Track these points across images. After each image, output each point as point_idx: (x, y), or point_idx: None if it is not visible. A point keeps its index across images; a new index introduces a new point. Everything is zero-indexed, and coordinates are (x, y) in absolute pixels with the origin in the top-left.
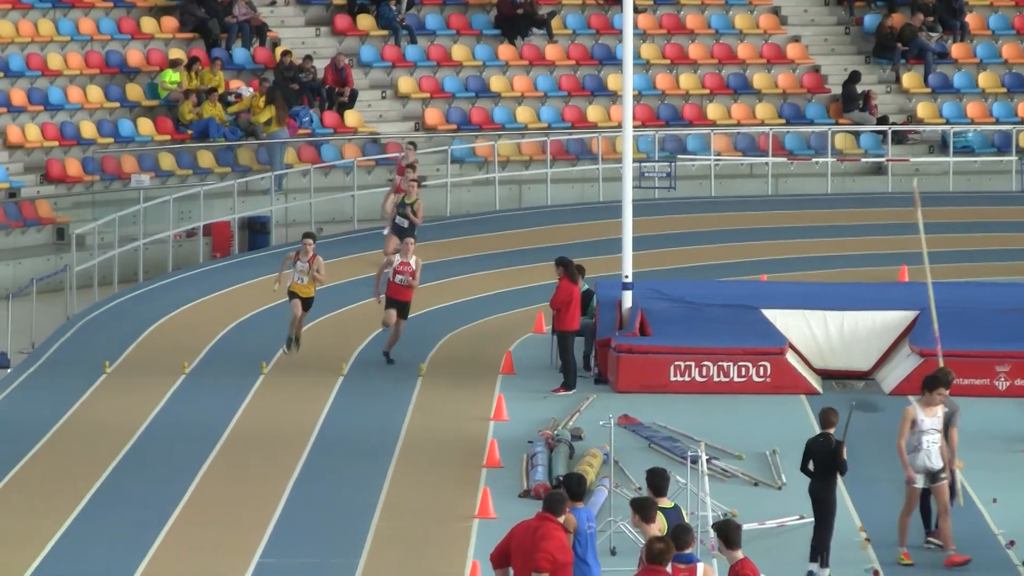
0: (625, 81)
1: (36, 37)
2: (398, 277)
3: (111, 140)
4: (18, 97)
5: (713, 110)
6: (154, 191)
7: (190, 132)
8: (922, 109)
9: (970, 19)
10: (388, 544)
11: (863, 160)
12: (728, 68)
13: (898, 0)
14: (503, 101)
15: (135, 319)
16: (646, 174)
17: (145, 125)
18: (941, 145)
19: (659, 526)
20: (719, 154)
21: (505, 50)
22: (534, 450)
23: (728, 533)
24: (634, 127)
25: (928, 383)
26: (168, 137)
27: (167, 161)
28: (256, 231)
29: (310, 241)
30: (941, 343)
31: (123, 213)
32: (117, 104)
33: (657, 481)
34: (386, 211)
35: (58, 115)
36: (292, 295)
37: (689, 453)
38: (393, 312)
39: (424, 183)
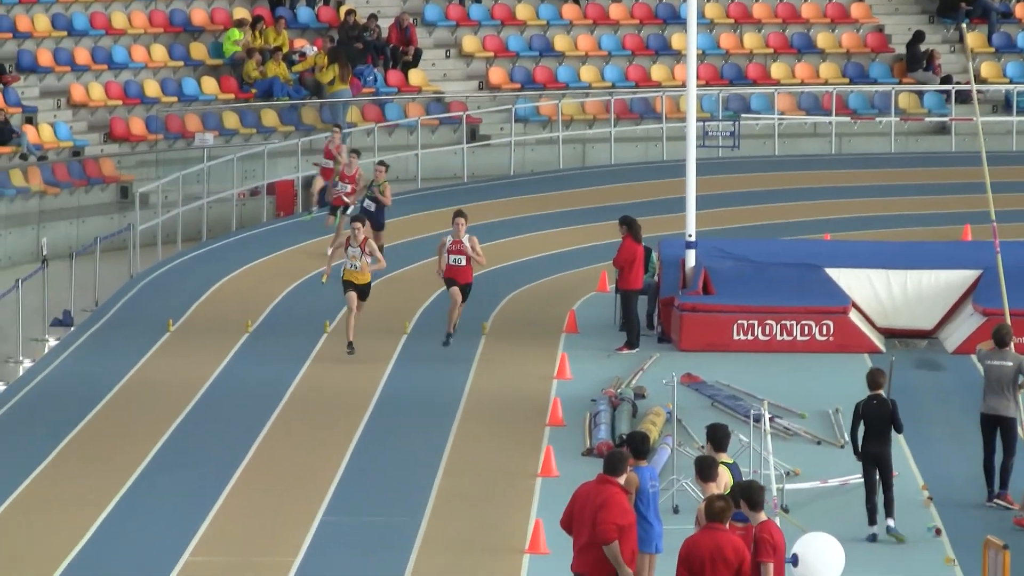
0: (689, 40)
1: None
2: (451, 257)
3: (175, 99)
4: (82, 56)
5: (777, 69)
6: (218, 150)
7: (254, 91)
8: (986, 69)
9: None
10: (451, 503)
11: (926, 120)
12: (792, 27)
13: None
14: (567, 60)
15: (198, 278)
16: (710, 133)
17: (209, 84)
18: (1005, 105)
19: (725, 481)
20: (783, 113)
21: (569, 9)
22: (597, 408)
23: (751, 494)
24: (698, 86)
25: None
26: (232, 96)
27: (231, 120)
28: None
29: (359, 225)
30: (1008, 302)
31: (187, 172)
32: (181, 63)
33: (719, 436)
34: (312, 195)
35: (122, 74)
36: (347, 286)
37: (752, 412)
38: (457, 290)
39: (387, 166)
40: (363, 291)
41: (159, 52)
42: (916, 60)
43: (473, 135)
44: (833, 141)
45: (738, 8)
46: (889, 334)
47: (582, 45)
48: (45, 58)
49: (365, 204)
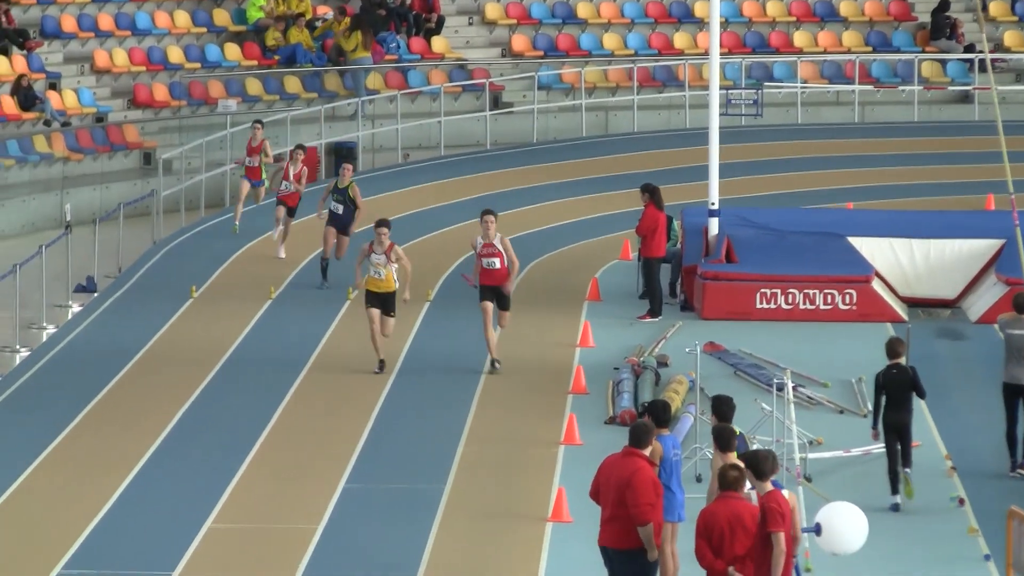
0: (712, 8)
1: None
2: (484, 260)
3: (198, 65)
4: (105, 22)
5: (800, 38)
6: (241, 116)
7: (277, 57)
8: (1009, 37)
9: None
10: (474, 470)
11: (949, 88)
12: None
13: None
14: (590, 28)
15: (222, 244)
16: (733, 101)
17: (232, 50)
18: None
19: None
20: (805, 82)
21: None
22: (620, 377)
23: (756, 464)
24: (721, 54)
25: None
26: (255, 62)
27: (254, 86)
28: (343, 157)
29: (385, 230)
30: None
31: (210, 138)
32: (204, 29)
33: (723, 408)
34: (239, 201)
35: (145, 40)
36: (369, 299)
37: (775, 380)
38: (491, 304)
39: (304, 148)
40: (388, 302)
41: (182, 18)
42: (939, 28)
43: (496, 102)
44: (856, 110)
45: None
46: (912, 303)
47: (605, 12)
48: (69, 24)
49: (332, 207)
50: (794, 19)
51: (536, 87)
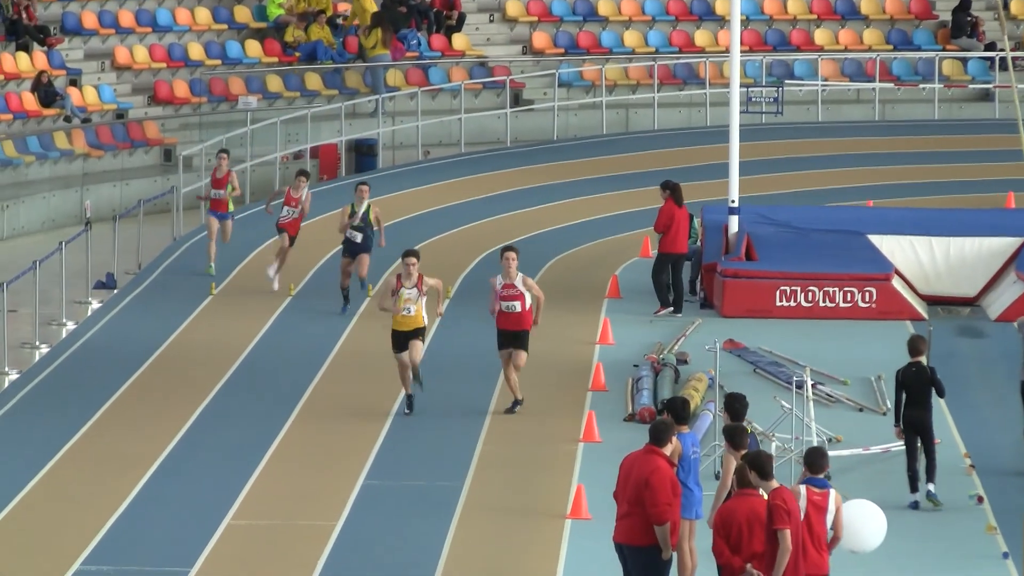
0: (733, 5)
1: None
2: (504, 304)
3: (219, 62)
4: (126, 19)
5: (820, 35)
6: (261, 113)
7: (297, 54)
8: None
9: None
10: (493, 467)
11: (970, 86)
12: None
13: None
14: (611, 25)
15: (242, 241)
16: (753, 99)
17: (253, 47)
18: None
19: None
20: (826, 79)
21: None
22: (639, 374)
23: (760, 464)
24: (742, 52)
25: None
26: (275, 59)
27: (274, 83)
28: (363, 154)
29: (413, 260)
30: None
31: (230, 135)
32: (225, 26)
33: (736, 406)
34: (210, 231)
35: (166, 37)
36: (396, 340)
37: (794, 378)
38: (509, 352)
39: (308, 175)
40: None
41: (203, 15)
42: (960, 27)
43: (516, 100)
44: (876, 107)
45: None
46: (932, 301)
47: (626, 10)
48: (89, 20)
49: (349, 235)
50: (815, 17)
51: (556, 84)
